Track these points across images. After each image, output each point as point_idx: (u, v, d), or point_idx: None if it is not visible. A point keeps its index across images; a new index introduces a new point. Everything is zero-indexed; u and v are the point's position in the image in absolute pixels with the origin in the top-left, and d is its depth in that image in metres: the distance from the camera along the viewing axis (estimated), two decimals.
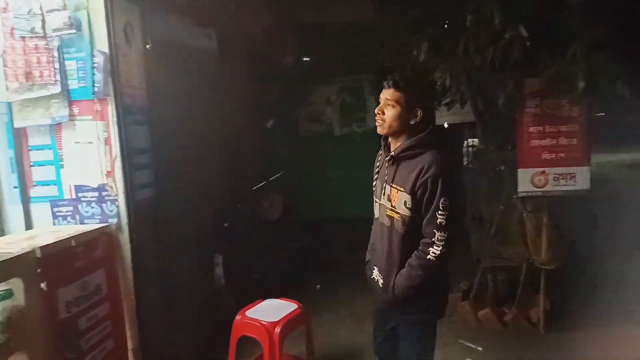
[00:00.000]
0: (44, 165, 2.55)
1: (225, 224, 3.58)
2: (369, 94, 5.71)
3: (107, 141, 2.49)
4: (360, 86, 5.83)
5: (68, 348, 2.17)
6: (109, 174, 2.51)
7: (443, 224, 1.80)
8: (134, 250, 2.57)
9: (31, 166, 2.57)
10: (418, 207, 1.85)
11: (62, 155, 2.52)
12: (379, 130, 1.97)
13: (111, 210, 2.54)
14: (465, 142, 6.75)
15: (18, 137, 2.53)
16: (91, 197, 2.54)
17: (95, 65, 2.39)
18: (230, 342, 2.73)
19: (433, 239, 1.82)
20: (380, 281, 2.00)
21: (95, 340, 2.36)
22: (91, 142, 2.49)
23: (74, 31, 2.33)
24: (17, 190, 2.57)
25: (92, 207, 2.55)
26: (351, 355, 3.28)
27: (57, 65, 2.37)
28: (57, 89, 2.38)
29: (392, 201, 1.93)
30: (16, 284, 1.94)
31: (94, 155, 2.50)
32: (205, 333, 3.25)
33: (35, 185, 2.58)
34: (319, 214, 5.64)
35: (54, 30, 2.31)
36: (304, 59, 5.41)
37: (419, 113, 1.88)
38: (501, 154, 3.55)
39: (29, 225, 2.59)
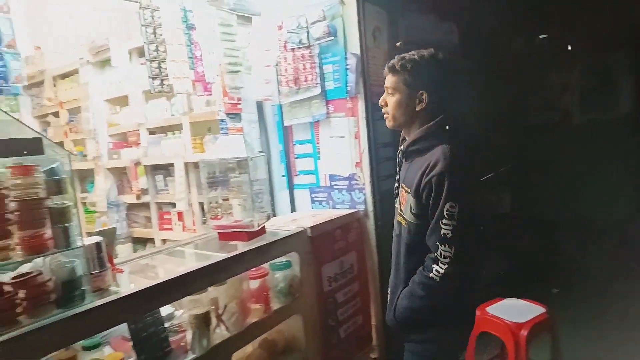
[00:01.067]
0: (305, 157, 2.97)
1: None
2: (619, 74, 4.79)
3: (356, 135, 2.73)
4: (607, 64, 4.94)
5: (330, 316, 2.49)
6: (358, 165, 2.76)
7: (448, 236, 1.42)
8: (378, 235, 2.77)
9: (295, 158, 3.02)
10: (424, 213, 1.50)
11: (319, 148, 2.89)
12: (387, 124, 1.68)
13: (359, 198, 2.79)
14: None
15: (286, 134, 3.01)
16: (342, 185, 2.84)
17: (348, 66, 2.64)
18: (469, 337, 2.69)
19: (436, 254, 1.46)
20: (388, 298, 1.72)
21: (348, 313, 2.65)
22: (343, 137, 2.78)
23: (332, 38, 2.62)
24: (285, 179, 3.07)
25: (343, 195, 2.85)
26: None
27: (317, 70, 2.71)
28: (317, 90, 2.73)
29: (401, 204, 1.64)
30: (293, 257, 2.31)
31: (345, 148, 2.77)
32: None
33: (298, 174, 3.03)
34: (551, 211, 5.03)
35: (316, 39, 2.65)
36: (540, 36, 4.87)
37: (425, 97, 1.53)
38: None
39: (293, 208, 3.06)
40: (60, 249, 1.39)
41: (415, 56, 1.56)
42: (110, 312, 1.44)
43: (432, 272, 1.47)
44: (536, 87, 5.38)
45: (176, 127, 3.42)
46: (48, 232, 1.37)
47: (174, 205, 3.54)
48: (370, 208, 2.76)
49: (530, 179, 5.04)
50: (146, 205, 3.79)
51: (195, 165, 3.35)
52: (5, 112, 1.32)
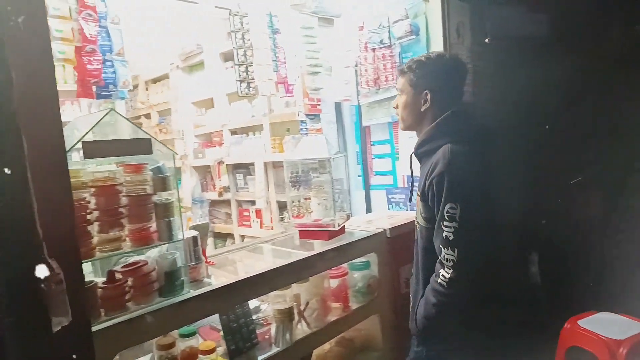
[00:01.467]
0: (382, 157, 2.95)
1: (543, 221, 3.31)
2: None
3: None
4: None
5: (406, 318, 2.45)
6: None
7: (450, 238, 1.38)
8: None
9: (372, 158, 3.01)
10: (432, 216, 1.47)
11: (397, 148, 2.86)
12: (400, 127, 1.71)
13: None
14: None
15: (363, 134, 3.01)
16: None
17: None
18: (557, 351, 2.52)
19: (440, 258, 1.44)
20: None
21: None
22: None
23: (414, 37, 2.58)
24: (361, 179, 3.07)
25: None
26: None
27: None
28: None
29: (416, 208, 1.64)
30: (372, 258, 2.31)
31: None
32: (514, 329, 3.12)
33: (375, 175, 3.02)
34: None
35: (398, 39, 2.62)
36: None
37: (428, 97, 1.53)
38: None
39: (368, 209, 3.06)
40: (164, 241, 1.50)
41: (423, 57, 1.59)
42: (206, 302, 1.54)
43: (439, 277, 1.44)
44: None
45: (257, 128, 3.57)
46: (153, 225, 1.49)
47: (253, 202, 3.69)
48: None
49: (627, 183, 4.60)
50: (227, 202, 3.99)
51: (274, 164, 3.47)
52: (122, 116, 1.45)
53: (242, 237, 3.92)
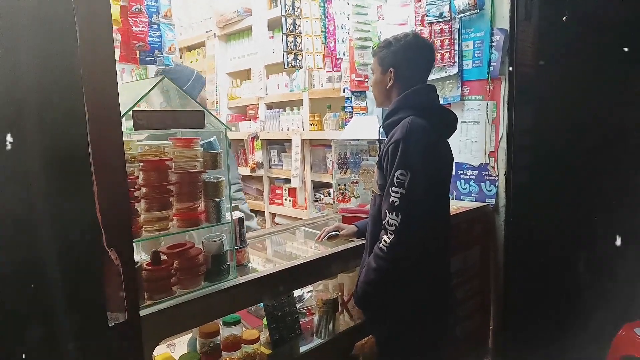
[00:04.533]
0: None
1: (596, 217, 3.10)
2: None
3: (494, 121, 2.47)
4: None
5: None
6: (492, 154, 2.50)
7: (396, 203, 1.40)
8: (508, 233, 2.52)
9: None
10: (386, 183, 1.47)
11: None
12: (376, 105, 1.80)
13: (489, 191, 2.54)
14: None
15: None
16: (470, 175, 2.61)
17: (494, 43, 2.37)
18: (607, 357, 2.37)
19: (384, 223, 1.44)
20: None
21: (466, 312, 2.47)
22: (477, 122, 2.53)
23: (477, 11, 2.36)
24: None
25: (471, 185, 2.62)
26: None
27: (456, 47, 2.47)
28: (454, 70, 2.50)
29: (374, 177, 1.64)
30: None
31: (480, 134, 2.53)
32: (567, 332, 2.96)
33: None
34: None
35: (459, 13, 2.41)
36: None
37: (392, 74, 1.59)
38: None
39: None
40: (212, 223, 1.39)
41: (390, 38, 1.64)
42: (254, 289, 1.43)
43: (381, 242, 1.44)
44: None
45: (294, 103, 3.41)
46: (201, 205, 1.38)
47: (286, 180, 3.57)
48: (502, 203, 2.51)
49: None
50: (259, 179, 3.88)
51: (311, 142, 3.33)
52: (176, 85, 1.32)
53: (273, 215, 3.83)
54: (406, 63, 1.59)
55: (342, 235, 1.93)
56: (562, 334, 2.75)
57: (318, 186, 3.41)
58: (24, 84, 0.68)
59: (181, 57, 4.41)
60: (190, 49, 4.32)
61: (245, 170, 3.89)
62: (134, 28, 1.65)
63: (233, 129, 3.95)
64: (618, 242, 2.52)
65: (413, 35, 1.64)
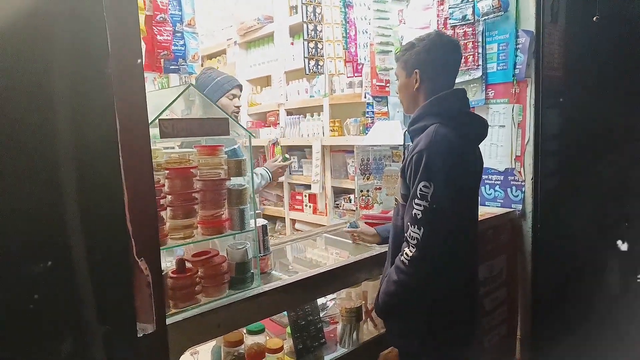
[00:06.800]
0: None
1: (626, 223, 2.99)
2: None
3: (520, 125, 2.41)
4: None
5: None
6: (518, 158, 2.44)
7: (419, 217, 1.35)
8: (536, 240, 2.45)
9: None
10: (409, 193, 1.42)
11: None
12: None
13: (516, 196, 2.48)
14: None
15: None
16: (495, 180, 2.55)
17: (519, 46, 2.32)
18: None
19: (406, 235, 1.39)
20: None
21: (493, 322, 2.40)
22: (503, 126, 2.48)
23: (502, 13, 2.31)
24: None
25: (496, 191, 2.56)
26: None
27: (480, 50, 2.43)
28: (478, 73, 2.45)
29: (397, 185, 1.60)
30: None
31: (505, 138, 2.47)
32: (598, 344, 2.86)
33: None
34: None
35: (483, 15, 2.36)
36: None
37: (417, 75, 1.51)
38: None
39: None
40: (236, 230, 1.38)
41: (413, 40, 1.57)
42: (279, 297, 1.41)
43: (403, 255, 1.40)
44: None
45: (315, 109, 3.40)
46: (225, 213, 1.37)
47: (306, 186, 3.56)
48: (529, 209, 2.44)
49: None
50: (279, 185, 3.88)
51: (332, 148, 3.31)
52: (202, 94, 1.32)
53: (293, 221, 3.82)
54: (431, 62, 1.51)
55: (359, 232, 1.92)
56: (593, 346, 2.65)
57: (338, 192, 3.39)
58: (57, 95, 0.68)
59: (202, 65, 4.45)
60: (210, 57, 4.36)
61: None
62: (158, 37, 1.67)
63: (254, 135, 3.96)
64: None
65: (436, 33, 1.56)
